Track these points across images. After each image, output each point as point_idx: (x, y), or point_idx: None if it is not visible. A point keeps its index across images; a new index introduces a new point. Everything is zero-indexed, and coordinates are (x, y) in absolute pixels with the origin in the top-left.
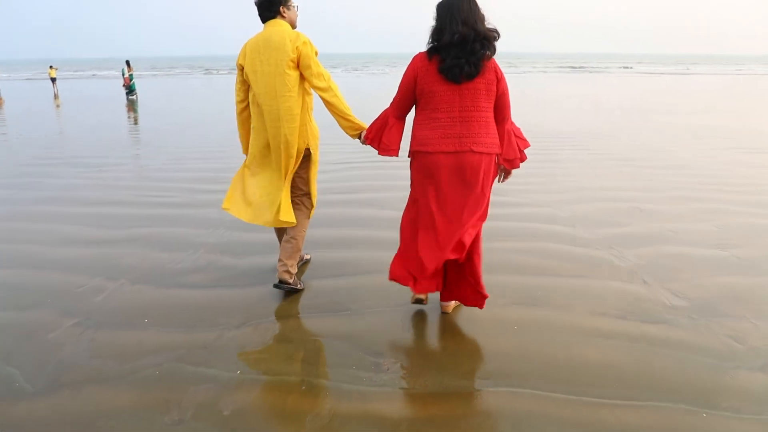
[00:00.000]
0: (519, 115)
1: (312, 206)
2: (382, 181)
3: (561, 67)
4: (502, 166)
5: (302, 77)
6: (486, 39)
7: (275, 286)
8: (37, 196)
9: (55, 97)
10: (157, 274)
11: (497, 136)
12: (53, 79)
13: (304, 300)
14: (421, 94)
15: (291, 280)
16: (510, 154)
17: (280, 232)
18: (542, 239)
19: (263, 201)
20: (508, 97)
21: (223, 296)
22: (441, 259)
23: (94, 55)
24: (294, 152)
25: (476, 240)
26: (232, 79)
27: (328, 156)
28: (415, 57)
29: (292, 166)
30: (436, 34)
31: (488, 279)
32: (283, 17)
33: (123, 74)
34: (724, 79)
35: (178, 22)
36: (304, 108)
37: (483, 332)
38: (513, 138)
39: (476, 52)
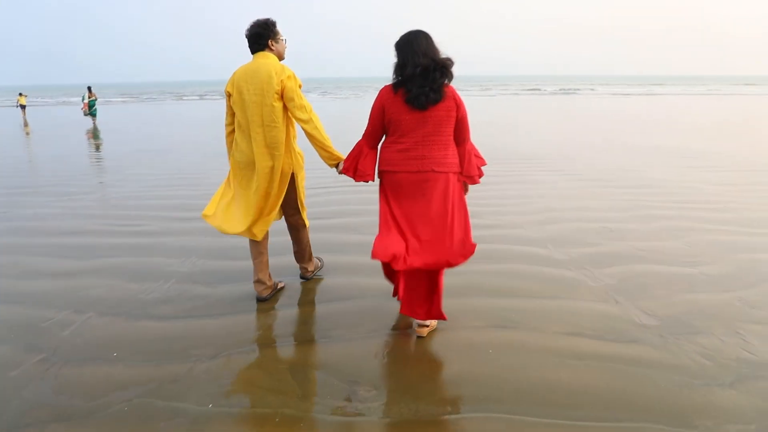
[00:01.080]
0: (489, 136)
1: (305, 224)
2: (356, 205)
3: (530, 89)
4: (464, 182)
5: (286, 108)
6: (444, 67)
7: (302, 278)
8: (2, 227)
9: (25, 125)
10: (127, 306)
11: (456, 156)
12: (23, 107)
13: (278, 328)
14: (389, 122)
15: (311, 274)
16: (470, 172)
17: (257, 248)
18: (515, 260)
19: (239, 214)
20: (467, 121)
21: (195, 327)
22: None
23: (66, 81)
24: (278, 176)
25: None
26: (202, 105)
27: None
28: (381, 91)
29: (277, 188)
30: (400, 69)
31: (462, 302)
32: (271, 50)
33: (83, 99)
34: (686, 99)
35: (152, 47)
36: (288, 136)
37: (458, 357)
38: (472, 157)
39: (437, 80)
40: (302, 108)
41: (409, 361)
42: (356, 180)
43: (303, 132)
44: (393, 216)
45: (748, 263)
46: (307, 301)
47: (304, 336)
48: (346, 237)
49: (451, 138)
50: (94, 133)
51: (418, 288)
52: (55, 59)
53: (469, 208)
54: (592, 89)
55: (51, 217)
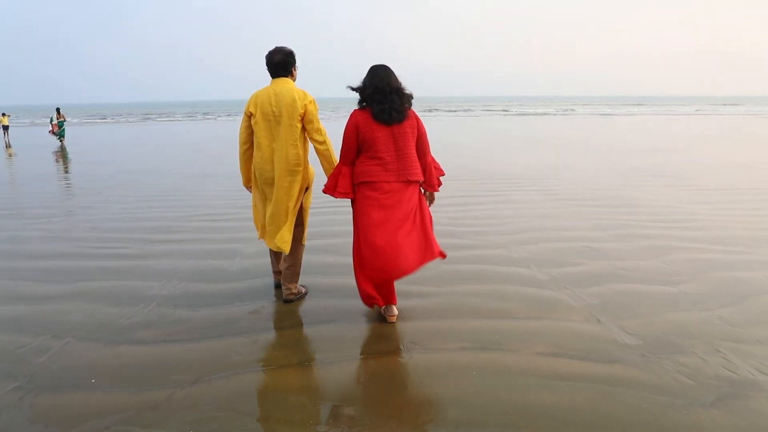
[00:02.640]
0: (467, 157)
1: (304, 239)
2: (335, 226)
3: (501, 110)
4: (427, 192)
5: (303, 128)
6: (399, 92)
7: (284, 301)
8: None
9: (7, 146)
10: (106, 331)
11: (420, 168)
12: (5, 127)
13: (260, 353)
14: (363, 141)
15: (294, 297)
16: (431, 181)
17: (277, 256)
18: (497, 281)
19: (272, 226)
20: (426, 137)
21: (176, 352)
22: (383, 270)
23: (34, 102)
24: (297, 189)
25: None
26: (182, 126)
27: None
28: (352, 114)
29: (296, 199)
30: (362, 91)
31: (445, 323)
32: (292, 76)
33: (51, 121)
34: (657, 119)
35: (119, 70)
36: (306, 153)
37: (442, 379)
38: (432, 169)
39: (395, 101)
40: (319, 131)
41: (392, 384)
42: (336, 197)
43: (315, 151)
44: (374, 229)
45: (727, 281)
46: (288, 324)
47: (286, 360)
48: (326, 258)
49: (415, 152)
50: (63, 154)
51: (390, 284)
52: (15, 80)
53: (450, 228)
54: (573, 110)
55: (29, 239)
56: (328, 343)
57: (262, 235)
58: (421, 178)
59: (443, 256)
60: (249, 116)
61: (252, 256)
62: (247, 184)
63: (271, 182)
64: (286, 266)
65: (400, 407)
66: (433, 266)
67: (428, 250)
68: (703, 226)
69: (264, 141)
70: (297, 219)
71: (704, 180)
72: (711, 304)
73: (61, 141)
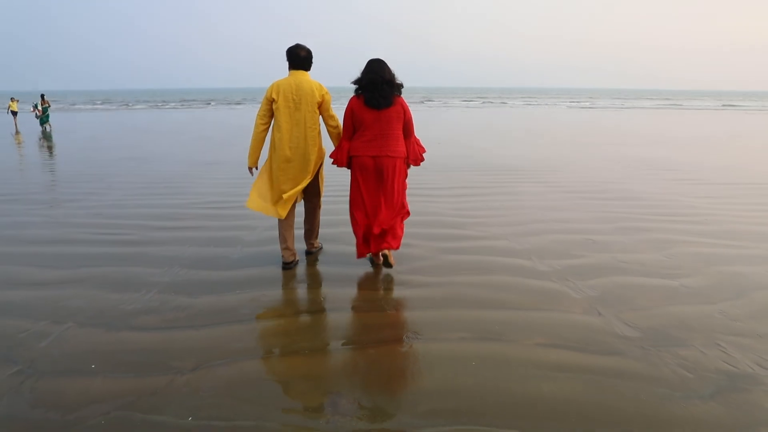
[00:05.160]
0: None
1: (320, 206)
2: (333, 216)
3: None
4: (409, 164)
5: (319, 114)
6: (390, 82)
7: (307, 253)
8: None
9: (17, 132)
10: (107, 317)
11: (404, 146)
12: (14, 113)
13: (260, 340)
14: (357, 121)
15: (315, 249)
16: (415, 156)
17: (288, 232)
18: (499, 272)
19: (292, 191)
20: (411, 122)
21: (177, 338)
22: (368, 226)
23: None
24: (312, 165)
25: (400, 223)
26: (176, 114)
27: None
28: (350, 99)
29: (311, 172)
30: (358, 82)
31: (445, 314)
32: (308, 70)
33: (36, 106)
34: (661, 113)
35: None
36: (320, 135)
37: (441, 369)
38: (415, 146)
39: (385, 91)
40: (333, 117)
41: (391, 372)
42: (338, 165)
43: (327, 132)
44: (360, 193)
45: (728, 276)
46: (289, 312)
47: (287, 347)
48: (326, 247)
49: (401, 134)
50: (47, 138)
51: (375, 236)
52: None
53: (453, 219)
54: (575, 102)
55: (31, 225)
56: (328, 332)
57: (266, 206)
58: (402, 155)
59: (407, 215)
60: (270, 101)
61: (254, 244)
62: (253, 165)
63: (288, 159)
64: (307, 227)
65: (399, 395)
66: (434, 256)
67: (399, 211)
68: (706, 220)
69: (285, 124)
70: (314, 189)
71: (709, 174)
72: (711, 298)
73: (43, 126)
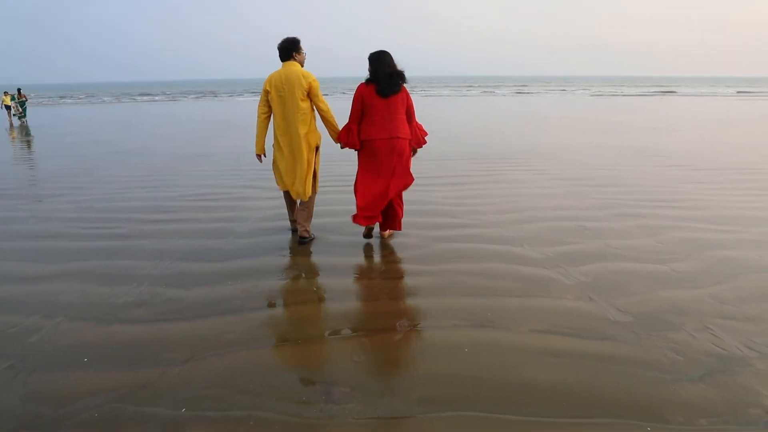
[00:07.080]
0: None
1: (317, 189)
2: (333, 206)
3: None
4: (414, 148)
5: (310, 101)
6: (401, 74)
7: (299, 242)
8: None
9: (11, 127)
10: (98, 310)
11: (409, 130)
12: (8, 107)
13: (253, 330)
14: (366, 107)
15: (307, 235)
16: (418, 139)
17: (291, 207)
18: (491, 260)
19: (289, 179)
20: (413, 108)
21: (168, 330)
22: (377, 202)
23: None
24: (306, 149)
25: (400, 198)
26: (173, 106)
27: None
28: (359, 86)
29: (308, 156)
30: (373, 74)
31: (438, 301)
32: (295, 59)
33: (12, 99)
34: (653, 100)
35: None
36: (312, 120)
37: (435, 356)
38: (417, 131)
39: (395, 80)
40: (323, 101)
41: (385, 361)
42: (349, 147)
43: (319, 115)
44: (366, 171)
45: (718, 260)
46: (281, 302)
47: (279, 338)
48: (323, 237)
49: (405, 117)
50: (25, 131)
51: (378, 211)
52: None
53: (445, 208)
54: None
55: (19, 220)
56: (321, 321)
57: (285, 187)
58: (409, 137)
59: (412, 180)
60: (266, 93)
61: (246, 235)
62: (260, 152)
63: (288, 143)
64: (301, 209)
65: (393, 383)
66: (428, 245)
67: (403, 183)
68: (696, 206)
69: (278, 113)
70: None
71: (699, 160)
72: (702, 283)
73: (21, 120)
